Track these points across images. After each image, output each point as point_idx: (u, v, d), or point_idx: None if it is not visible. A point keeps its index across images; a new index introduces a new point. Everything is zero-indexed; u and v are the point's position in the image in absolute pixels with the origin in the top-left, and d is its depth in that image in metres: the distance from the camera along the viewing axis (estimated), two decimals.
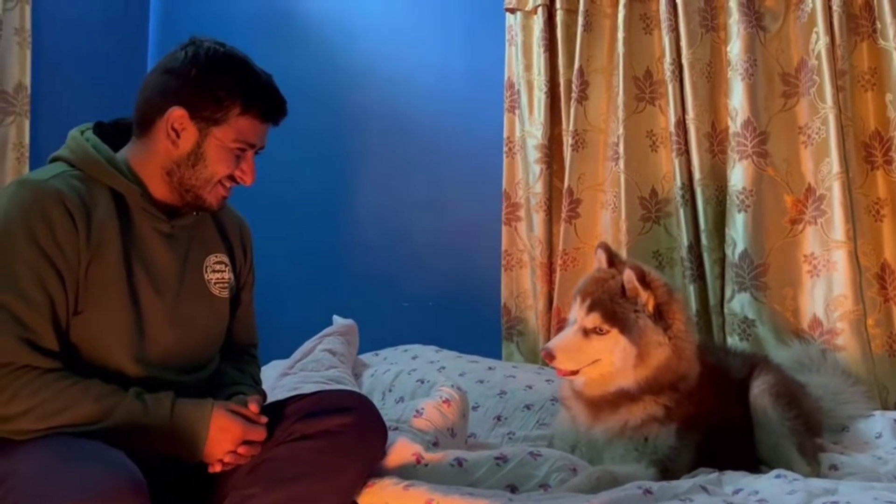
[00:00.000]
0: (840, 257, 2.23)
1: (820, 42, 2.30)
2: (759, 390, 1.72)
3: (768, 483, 1.43)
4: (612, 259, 1.70)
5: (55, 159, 1.36)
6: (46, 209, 1.23)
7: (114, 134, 1.40)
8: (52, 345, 1.22)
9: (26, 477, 1.09)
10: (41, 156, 2.68)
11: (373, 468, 1.39)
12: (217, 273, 1.45)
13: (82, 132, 1.38)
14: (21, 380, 1.17)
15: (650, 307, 1.59)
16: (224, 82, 1.32)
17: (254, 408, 1.29)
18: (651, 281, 1.60)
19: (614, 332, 1.59)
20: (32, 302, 1.20)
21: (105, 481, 1.04)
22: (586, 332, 1.61)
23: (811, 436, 1.73)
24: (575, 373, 1.63)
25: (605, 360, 1.60)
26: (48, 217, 1.23)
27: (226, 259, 1.48)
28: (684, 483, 1.42)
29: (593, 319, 1.60)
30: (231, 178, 1.38)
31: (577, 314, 1.64)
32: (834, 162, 2.25)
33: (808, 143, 2.33)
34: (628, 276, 1.59)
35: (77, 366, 1.24)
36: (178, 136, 1.32)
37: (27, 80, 2.70)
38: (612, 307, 1.60)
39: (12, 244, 1.21)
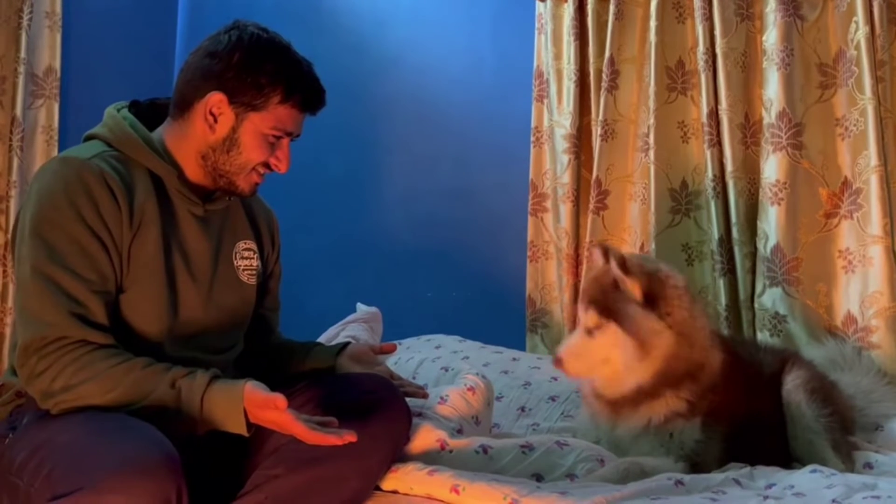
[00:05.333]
0: (876, 252, 2.17)
1: (859, 32, 2.23)
2: (793, 385, 1.67)
3: (804, 478, 1.40)
4: (608, 256, 1.63)
5: (92, 137, 1.35)
6: (90, 186, 1.23)
7: (149, 114, 1.40)
8: (103, 319, 1.22)
9: (62, 448, 1.09)
10: (70, 139, 2.71)
11: (397, 453, 1.38)
12: (246, 260, 1.45)
13: (118, 110, 1.37)
14: (67, 357, 1.17)
15: (636, 293, 1.54)
16: (267, 69, 1.31)
17: (281, 403, 1.13)
18: (631, 267, 1.55)
19: (612, 325, 1.54)
20: (82, 277, 1.20)
21: (140, 455, 1.04)
22: (590, 332, 1.57)
23: (845, 433, 1.68)
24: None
25: (612, 356, 1.56)
26: (92, 194, 1.23)
27: (254, 246, 1.48)
28: (717, 476, 1.39)
29: (591, 317, 1.56)
30: (265, 164, 1.37)
31: (580, 316, 1.60)
32: (872, 155, 2.19)
33: (846, 135, 2.27)
34: (612, 265, 1.55)
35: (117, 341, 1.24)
36: (215, 120, 1.32)
37: (57, 64, 2.72)
38: (604, 300, 1.55)
39: (59, 220, 1.21)
